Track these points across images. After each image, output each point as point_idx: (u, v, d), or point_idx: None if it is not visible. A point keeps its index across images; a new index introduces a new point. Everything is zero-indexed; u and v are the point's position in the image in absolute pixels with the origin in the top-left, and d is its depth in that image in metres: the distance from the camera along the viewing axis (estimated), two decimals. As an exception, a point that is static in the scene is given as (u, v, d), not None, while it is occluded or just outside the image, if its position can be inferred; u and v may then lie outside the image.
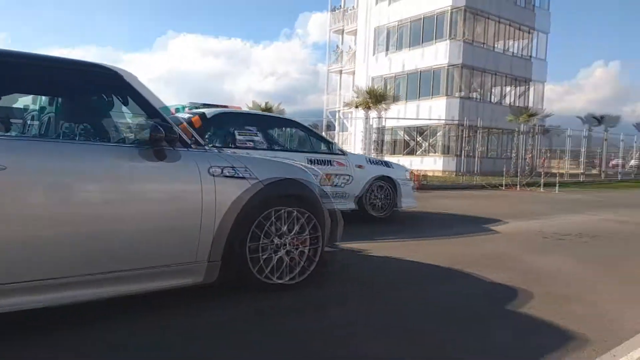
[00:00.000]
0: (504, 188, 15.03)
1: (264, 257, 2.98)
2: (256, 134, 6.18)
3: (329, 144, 6.84)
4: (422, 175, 16.01)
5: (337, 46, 34.54)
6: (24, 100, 3.46)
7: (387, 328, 2.59)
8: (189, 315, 2.64)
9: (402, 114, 25.91)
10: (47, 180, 2.28)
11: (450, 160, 24.33)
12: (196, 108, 12.76)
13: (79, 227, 2.33)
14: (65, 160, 2.36)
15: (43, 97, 3.45)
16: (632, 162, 27.64)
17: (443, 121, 24.95)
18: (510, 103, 28.38)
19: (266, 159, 3.52)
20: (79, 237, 2.34)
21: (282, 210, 3.08)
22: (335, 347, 2.32)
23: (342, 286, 3.37)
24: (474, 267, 3.94)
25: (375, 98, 22.45)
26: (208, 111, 6.17)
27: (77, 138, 2.88)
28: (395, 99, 25.40)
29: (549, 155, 24.59)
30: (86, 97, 3.13)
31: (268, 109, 23.61)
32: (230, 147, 5.61)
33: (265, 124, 6.56)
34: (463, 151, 20.35)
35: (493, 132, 26.47)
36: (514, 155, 22.67)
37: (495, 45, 27.90)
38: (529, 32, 28.94)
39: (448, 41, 25.85)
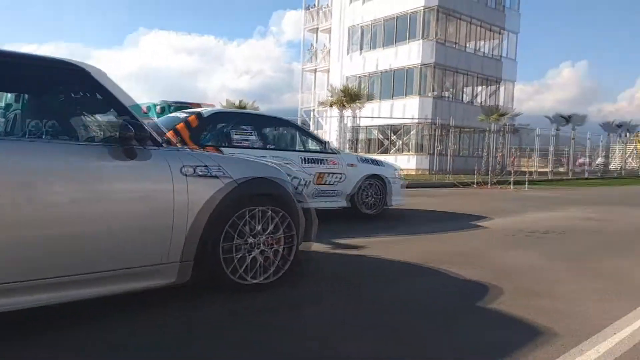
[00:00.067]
0: (475, 186, 15.29)
1: (238, 256, 2.96)
2: (251, 133, 6.22)
3: (322, 143, 6.88)
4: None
5: (312, 45, 34.55)
6: (-12, 98, 3.35)
7: (361, 326, 2.60)
8: (159, 315, 2.60)
9: (376, 113, 26.11)
10: (13, 180, 2.20)
11: (423, 159, 24.64)
12: (168, 106, 12.61)
13: (45, 228, 2.27)
14: (32, 159, 2.28)
15: (8, 94, 3.35)
16: (599, 161, 28.49)
17: (416, 120, 25.24)
18: (481, 102, 28.91)
19: (240, 158, 3.49)
20: (45, 238, 2.27)
21: (256, 210, 3.06)
22: (310, 346, 2.32)
23: (317, 285, 3.38)
24: (446, 264, 4.00)
25: (349, 97, 22.58)
26: (205, 110, 6.19)
27: (44, 136, 2.81)
28: (370, 98, 25.61)
29: (518, 153, 25.11)
30: (53, 95, 3.05)
31: (242, 107, 23.46)
32: (226, 146, 5.70)
33: (260, 123, 6.62)
34: (436, 150, 20.62)
35: (465, 131, 26.90)
36: (485, 154, 23.08)
37: (467, 45, 28.38)
38: (499, 33, 29.52)
39: (421, 41, 26.15)
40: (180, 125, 5.68)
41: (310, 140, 7.03)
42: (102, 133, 2.81)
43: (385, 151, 26.94)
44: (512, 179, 15.72)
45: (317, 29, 33.39)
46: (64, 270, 2.31)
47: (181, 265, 2.72)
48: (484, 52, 29.34)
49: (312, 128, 31.45)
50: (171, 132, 5.55)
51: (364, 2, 29.02)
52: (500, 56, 30.01)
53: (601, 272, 3.95)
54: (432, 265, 3.99)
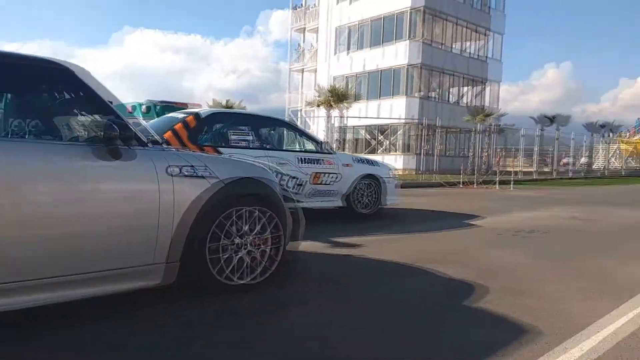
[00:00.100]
0: (461, 186, 15.41)
1: (225, 257, 2.94)
2: (248, 133, 6.24)
3: (319, 143, 6.93)
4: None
5: (299, 44, 34.52)
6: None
7: (349, 326, 2.60)
8: (132, 321, 2.58)
9: (363, 113, 26.17)
10: (-5, 180, 2.16)
11: (410, 159, 24.75)
12: (154, 106, 12.52)
13: (29, 229, 2.23)
14: (15, 159, 2.24)
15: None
16: (582, 160, 28.88)
17: (403, 120, 25.35)
18: (467, 103, 29.13)
19: (226, 158, 3.48)
20: (30, 239, 2.24)
21: (243, 210, 3.04)
22: (297, 347, 2.32)
23: (304, 285, 3.37)
24: (434, 263, 4.02)
25: (337, 97, 22.59)
26: (202, 111, 6.19)
27: (27, 136, 2.77)
28: (357, 98, 25.63)
29: (504, 153, 25.38)
30: (37, 94, 3.00)
31: (229, 106, 23.34)
32: (224, 147, 5.76)
33: (257, 123, 6.63)
34: (423, 150, 20.73)
35: (451, 131, 27.08)
36: (471, 153, 23.27)
37: (453, 46, 28.57)
38: (485, 34, 29.79)
39: (408, 41, 26.27)
40: (178, 126, 5.69)
41: (306, 141, 7.06)
42: (86, 133, 2.77)
43: (373, 151, 27.01)
44: (497, 179, 15.86)
45: (305, 28, 33.37)
46: (45, 272, 2.28)
47: (167, 266, 2.70)
48: (469, 53, 29.57)
49: (299, 128, 31.45)
50: (169, 132, 5.60)
51: (350, 2, 29.07)
52: (486, 57, 30.27)
53: (585, 271, 4.00)
54: (420, 264, 4.01)
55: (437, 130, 21.10)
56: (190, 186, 2.77)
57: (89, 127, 2.76)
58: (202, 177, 2.83)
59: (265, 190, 3.23)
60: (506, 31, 31.09)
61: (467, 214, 7.85)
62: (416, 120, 23.91)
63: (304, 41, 34.24)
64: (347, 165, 6.88)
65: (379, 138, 27.91)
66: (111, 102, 2.64)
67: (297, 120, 31.84)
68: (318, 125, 27.04)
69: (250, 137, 6.24)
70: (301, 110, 31.73)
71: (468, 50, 29.50)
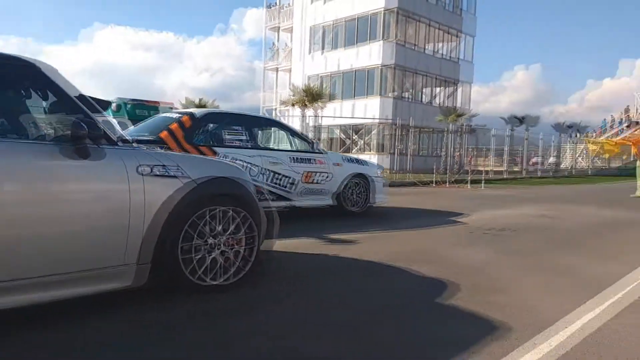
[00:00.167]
0: (434, 185, 15.60)
1: (197, 257, 2.91)
2: (242, 133, 6.32)
3: (310, 143, 7.06)
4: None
5: (274, 43, 34.40)
6: None
7: (322, 325, 2.61)
8: (112, 319, 2.53)
9: (338, 113, 26.26)
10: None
11: (384, 158, 24.94)
12: (124, 104, 12.29)
13: (-8, 230, 2.16)
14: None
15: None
16: (551, 160, 29.61)
17: (377, 120, 25.53)
18: (440, 103, 29.54)
19: (200, 157, 3.44)
20: (-7, 241, 2.16)
21: (217, 210, 3.01)
22: (270, 346, 2.30)
23: (278, 284, 3.36)
24: (407, 262, 4.06)
25: (311, 96, 22.59)
26: (197, 111, 6.22)
27: (-10, 134, 2.67)
28: (332, 97, 25.69)
29: (475, 153, 25.82)
30: (2, 91, 2.90)
31: (202, 105, 23.08)
32: (219, 146, 5.86)
33: (251, 123, 6.72)
34: (396, 149, 20.91)
35: (424, 131, 27.42)
36: (443, 153, 23.59)
37: (426, 47, 28.93)
38: (456, 35, 30.27)
39: (381, 42, 26.48)
40: (174, 126, 5.72)
41: (298, 140, 7.17)
42: (53, 131, 2.70)
43: (347, 151, 27.12)
44: (469, 178, 16.13)
45: (279, 27, 33.28)
46: (9, 274, 2.20)
47: (138, 268, 2.65)
48: (442, 54, 30.00)
49: (273, 127, 31.33)
50: (165, 132, 5.63)
51: (325, 2, 29.12)
52: (458, 58, 30.77)
53: (554, 268, 4.10)
54: (394, 263, 4.04)
55: (410, 130, 21.33)
56: (161, 186, 2.72)
57: (56, 125, 2.69)
58: (174, 176, 2.79)
59: (239, 190, 3.20)
60: (478, 33, 31.68)
61: (440, 213, 7.95)
62: (390, 120, 24.12)
63: (278, 40, 34.16)
64: (338, 164, 7.03)
65: (354, 138, 28.05)
66: (80, 100, 2.57)
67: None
68: (293, 124, 26.99)
69: (244, 137, 6.33)
70: (276, 109, 31.64)
71: (440, 52, 29.94)
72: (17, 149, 2.33)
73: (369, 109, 26.50)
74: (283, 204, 6.40)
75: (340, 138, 28.45)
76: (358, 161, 7.62)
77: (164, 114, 6.87)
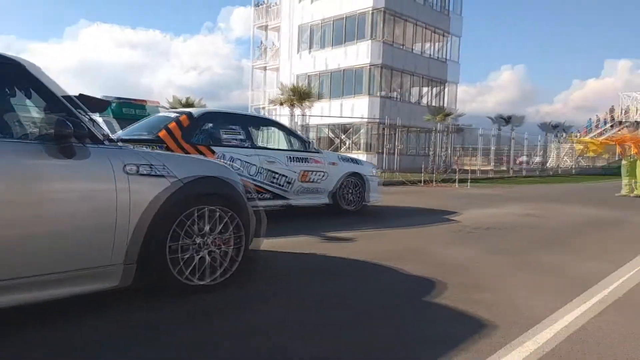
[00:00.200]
0: (422, 184, 15.68)
1: (185, 257, 2.89)
2: (240, 132, 6.38)
3: (306, 142, 7.14)
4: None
5: (262, 42, 34.30)
6: None
7: (309, 325, 2.61)
8: (100, 319, 2.50)
9: (326, 112, 26.28)
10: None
11: (372, 158, 24.97)
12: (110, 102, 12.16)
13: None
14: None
15: None
16: (537, 159, 29.92)
17: (365, 119, 25.59)
18: (427, 103, 29.69)
19: (187, 157, 3.41)
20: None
21: (204, 209, 2.99)
22: (257, 346, 2.30)
23: (265, 284, 3.35)
24: (394, 260, 4.07)
25: (299, 95, 22.56)
26: (195, 110, 6.26)
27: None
28: (320, 96, 25.70)
29: (462, 152, 26.01)
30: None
31: (189, 104, 22.93)
32: (217, 146, 5.91)
33: (249, 123, 6.80)
34: (384, 149, 20.98)
35: (412, 130, 27.54)
36: (431, 152, 23.73)
37: (414, 47, 29.06)
38: (443, 35, 30.44)
39: (369, 41, 26.53)
40: (172, 125, 5.76)
41: (294, 140, 7.23)
42: (38, 130, 2.66)
43: (336, 150, 27.14)
44: (456, 177, 16.23)
45: (267, 26, 33.19)
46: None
47: (125, 268, 2.63)
48: (429, 55, 30.15)
49: (261, 126, 31.20)
50: (164, 131, 5.66)
51: (312, 1, 29.10)
52: (445, 59, 30.95)
53: (540, 266, 4.14)
54: (381, 262, 4.05)
55: (398, 130, 21.41)
56: (148, 185, 2.70)
57: (41, 124, 2.65)
58: (161, 175, 2.76)
59: (227, 190, 3.18)
60: (465, 33, 31.99)
61: (429, 211, 8.01)
62: (378, 120, 24.19)
63: (266, 39, 34.05)
64: (333, 163, 7.14)
65: (342, 137, 28.08)
66: (65, 98, 2.54)
67: (260, 118, 31.56)
68: (281, 123, 26.93)
69: (241, 136, 6.38)
70: (264, 108, 31.56)
71: (428, 52, 30.09)
72: (1, 148, 2.29)
73: (357, 109, 26.55)
74: (280, 202, 6.48)
75: (329, 137, 28.46)
76: (353, 160, 7.71)
77: (162, 114, 6.88)
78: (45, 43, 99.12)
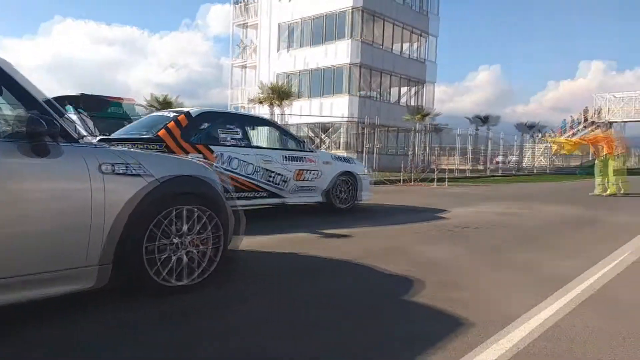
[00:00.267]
0: (401, 183, 15.79)
1: (162, 258, 2.85)
2: (237, 132, 6.50)
3: (300, 142, 7.35)
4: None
5: (241, 40, 34.07)
6: None
7: (288, 324, 2.60)
8: (75, 319, 2.45)
9: (306, 111, 26.25)
10: None
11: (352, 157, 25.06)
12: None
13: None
14: None
15: None
16: (513, 159, 30.42)
17: (345, 119, 25.66)
18: (406, 103, 29.92)
19: (163, 155, 3.37)
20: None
21: (182, 209, 2.96)
22: (236, 346, 2.28)
23: (244, 284, 3.33)
24: (373, 259, 4.09)
25: (279, 94, 22.49)
26: (193, 110, 6.31)
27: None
28: (299, 95, 25.68)
29: (440, 152, 26.31)
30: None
31: (167, 102, 22.66)
32: (215, 145, 6.02)
33: (245, 123, 6.95)
34: (364, 148, 21.07)
35: (391, 130, 27.73)
36: (410, 152, 23.92)
37: (392, 47, 29.24)
38: (421, 35, 30.71)
39: (349, 41, 26.61)
40: (171, 124, 5.81)
41: (289, 140, 7.36)
42: (10, 128, 2.59)
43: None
44: (435, 177, 16.39)
45: (246, 24, 33.00)
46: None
47: (100, 269, 2.58)
48: (408, 54, 30.38)
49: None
50: (163, 130, 5.71)
51: (290, 0, 29.06)
52: (424, 59, 31.22)
53: (516, 265, 4.21)
54: (361, 261, 4.07)
55: (377, 129, 21.51)
56: (124, 184, 2.66)
57: (13, 122, 2.58)
58: (137, 175, 2.72)
59: (205, 189, 3.15)
60: (443, 34, 32.35)
61: (411, 210, 8.07)
62: (357, 119, 24.28)
63: (245, 37, 33.86)
64: (327, 162, 7.31)
65: (322, 136, 28.11)
66: (37, 96, 2.48)
67: (239, 117, 31.35)
68: (260, 122, 26.81)
69: (239, 136, 6.50)
70: (243, 107, 31.38)
71: (406, 52, 30.31)
72: (-31, 147, 2.23)
73: (336, 108, 26.60)
74: (276, 200, 6.62)
75: (309, 136, 28.46)
76: (346, 159, 7.94)
77: (159, 113, 6.98)
78: (19, 39, 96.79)
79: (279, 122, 21.05)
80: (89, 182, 2.49)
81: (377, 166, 19.76)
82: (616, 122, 34.57)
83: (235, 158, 6.09)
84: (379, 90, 28.98)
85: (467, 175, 22.25)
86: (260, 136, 8.74)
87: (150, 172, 2.79)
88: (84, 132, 2.71)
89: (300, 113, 25.05)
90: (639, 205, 9.56)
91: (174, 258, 2.91)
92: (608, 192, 12.06)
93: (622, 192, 12.00)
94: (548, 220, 7.33)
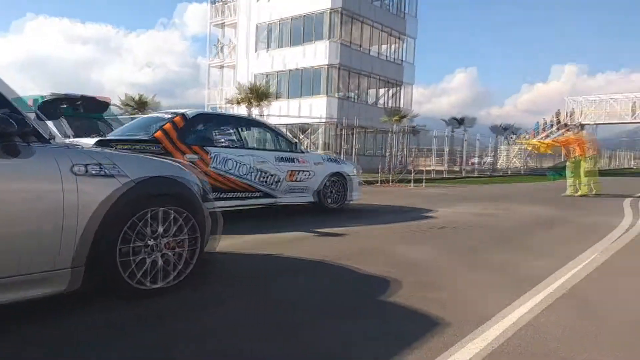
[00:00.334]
0: (379, 184, 15.89)
1: (137, 260, 2.81)
2: (231, 133, 6.66)
3: (293, 143, 7.45)
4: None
5: (219, 40, 33.81)
6: None
7: (265, 326, 2.59)
8: (47, 323, 2.40)
9: (284, 111, 26.23)
10: None
11: (329, 158, 25.08)
12: (57, 98, 11.71)
13: None
14: None
15: None
16: (488, 160, 30.90)
17: (324, 120, 25.69)
18: (384, 104, 30.11)
19: (138, 156, 3.31)
20: None
21: (157, 210, 2.92)
22: (212, 348, 2.26)
23: (221, 286, 3.31)
24: (350, 260, 4.10)
25: (256, 94, 22.41)
26: (189, 111, 6.32)
27: None
28: (278, 96, 25.62)
29: (417, 153, 26.57)
30: None
31: (142, 101, 22.35)
32: (210, 146, 6.09)
33: (239, 124, 7.21)
34: (342, 149, 21.13)
35: (369, 131, 27.87)
36: (387, 153, 24.09)
37: (370, 49, 29.41)
38: (399, 38, 30.96)
39: (327, 42, 26.66)
40: (167, 126, 5.83)
41: (282, 141, 7.45)
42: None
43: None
44: (412, 178, 16.54)
45: (224, 23, 32.77)
46: None
47: (72, 272, 2.53)
48: (386, 56, 30.59)
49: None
50: (160, 132, 5.73)
51: (269, 0, 28.97)
52: (402, 60, 31.49)
53: (491, 264, 4.27)
54: (336, 261, 4.07)
55: (355, 130, 21.60)
56: (97, 185, 2.61)
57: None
58: (111, 176, 2.68)
59: (181, 190, 3.12)
60: (421, 37, 32.64)
61: (391, 212, 8.11)
62: (335, 120, 24.34)
63: (223, 36, 33.62)
64: (318, 163, 7.47)
65: (300, 137, 28.08)
66: (7, 95, 2.42)
67: (216, 117, 31.09)
68: (238, 122, 26.63)
69: (233, 137, 6.61)
70: (221, 107, 31.15)
71: (384, 53, 30.52)
72: None
73: (314, 109, 26.62)
74: (269, 200, 6.73)
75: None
76: (336, 160, 8.20)
77: (155, 114, 7.00)
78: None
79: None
80: (60, 183, 2.44)
81: (355, 167, 19.82)
82: (588, 124, 35.49)
83: (231, 159, 6.15)
84: (357, 91, 29.11)
85: (444, 176, 22.52)
86: (253, 137, 8.80)
87: (125, 173, 2.74)
88: (56, 132, 2.65)
89: (279, 114, 25.00)
90: (609, 206, 9.82)
91: (148, 260, 2.87)
92: (580, 192, 12.34)
93: (593, 192, 12.29)
94: (522, 220, 7.46)
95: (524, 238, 5.81)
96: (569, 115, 36.68)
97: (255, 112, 22.26)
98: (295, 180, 7.04)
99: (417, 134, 27.70)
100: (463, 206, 9.33)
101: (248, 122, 8.54)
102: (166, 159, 3.49)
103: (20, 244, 2.34)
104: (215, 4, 33.17)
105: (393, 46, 31.11)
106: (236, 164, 6.19)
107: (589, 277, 3.87)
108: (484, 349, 2.35)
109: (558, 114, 37.80)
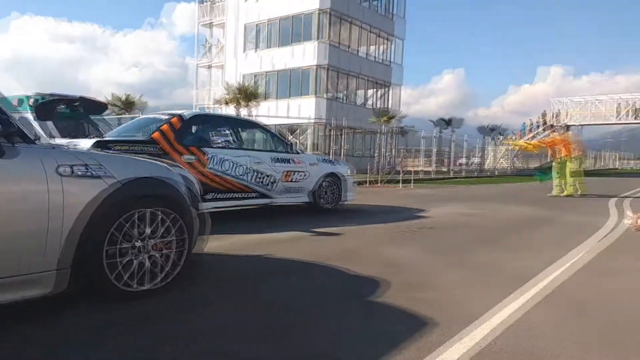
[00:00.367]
0: (368, 185, 15.92)
1: (124, 262, 2.78)
2: (228, 134, 6.68)
3: (288, 144, 7.54)
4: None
5: (206, 40, 33.65)
6: None
7: (253, 327, 2.58)
8: (35, 322, 2.36)
9: (273, 112, 26.16)
10: None
11: (318, 158, 25.07)
12: (42, 98, 11.56)
13: None
14: None
15: None
16: (475, 161, 31.13)
17: (313, 120, 25.69)
18: (372, 105, 30.20)
19: (125, 157, 3.28)
20: None
21: (145, 211, 2.89)
22: (200, 350, 2.25)
23: (210, 287, 3.29)
24: (338, 261, 4.10)
25: (245, 95, 22.34)
26: (186, 112, 6.32)
27: None
28: (266, 96, 25.55)
29: (405, 154, 26.69)
30: None
31: (129, 101, 22.17)
32: (207, 147, 6.11)
33: (236, 125, 7.27)
34: (331, 150, 21.14)
35: (358, 132, 27.92)
36: (376, 154, 24.15)
37: (359, 49, 29.48)
38: (387, 39, 31.08)
39: (316, 42, 26.66)
40: (165, 127, 5.84)
41: (278, 142, 7.51)
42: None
43: (282, 150, 27.00)
44: (400, 178, 16.60)
45: (212, 23, 32.63)
46: None
47: (58, 274, 2.50)
48: (374, 57, 30.69)
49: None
50: (157, 133, 5.73)
51: (258, 0, 28.90)
52: (390, 61, 31.60)
53: (478, 264, 4.30)
54: (323, 261, 4.07)
55: (344, 131, 21.63)
56: (83, 186, 2.58)
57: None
58: (98, 176, 2.65)
59: (168, 191, 3.09)
60: (410, 38, 32.87)
61: (376, 212, 8.14)
62: (324, 121, 24.35)
63: (211, 36, 33.47)
64: (313, 164, 7.54)
65: (289, 137, 28.05)
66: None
67: (205, 117, 30.95)
68: (226, 123, 26.52)
69: (230, 138, 6.62)
70: (209, 107, 31.00)
71: (373, 54, 30.62)
72: None
73: (303, 109, 26.61)
74: (265, 201, 6.77)
75: (276, 137, 28.34)
76: (331, 161, 8.31)
77: (152, 115, 7.02)
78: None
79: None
80: (46, 184, 2.41)
81: (344, 168, 19.85)
82: (574, 125, 35.88)
83: (227, 160, 6.17)
84: (345, 92, 29.16)
85: (432, 176, 22.63)
86: (249, 138, 8.86)
87: (112, 174, 2.72)
88: (41, 133, 2.61)
89: (268, 114, 24.94)
90: (594, 206, 9.94)
91: (135, 262, 2.84)
92: (565, 193, 12.47)
93: (579, 193, 12.43)
94: (509, 220, 7.52)
95: (510, 238, 5.86)
96: (554, 116, 37.06)
97: (243, 113, 22.19)
98: (291, 181, 7.09)
99: (405, 134, 27.82)
100: (452, 206, 9.38)
101: (244, 123, 8.60)
102: (154, 159, 3.46)
103: (4, 245, 2.30)
104: (203, 3, 33.02)
105: (381, 47, 31.22)
106: (233, 165, 6.21)
107: (576, 276, 3.91)
108: (472, 349, 2.36)
109: (544, 115, 38.17)
